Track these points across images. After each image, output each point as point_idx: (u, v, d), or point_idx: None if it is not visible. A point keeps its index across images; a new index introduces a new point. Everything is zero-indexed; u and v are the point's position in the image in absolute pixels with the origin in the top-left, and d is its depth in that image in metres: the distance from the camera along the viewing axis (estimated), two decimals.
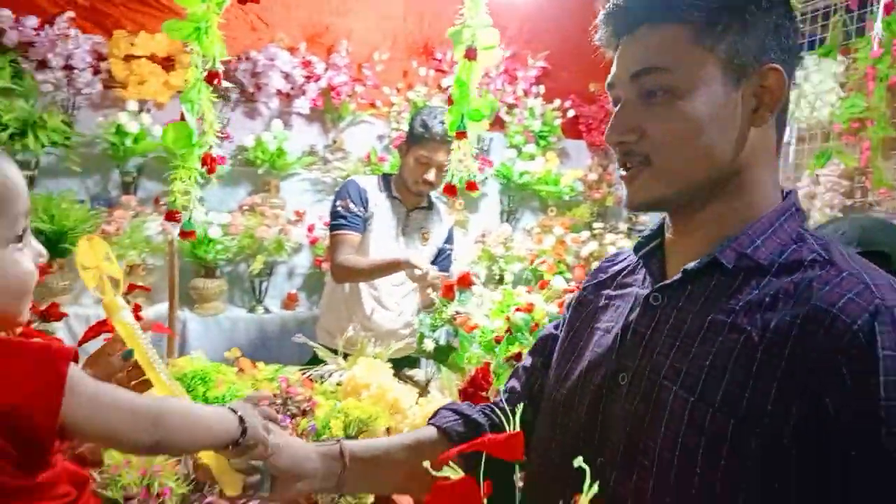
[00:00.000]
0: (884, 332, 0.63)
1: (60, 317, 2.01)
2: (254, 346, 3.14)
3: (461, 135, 1.74)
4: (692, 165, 0.75)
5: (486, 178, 3.84)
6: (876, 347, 0.63)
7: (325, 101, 3.58)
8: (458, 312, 2.11)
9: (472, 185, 1.97)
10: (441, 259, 2.58)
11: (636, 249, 0.89)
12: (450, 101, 1.74)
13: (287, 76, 3.44)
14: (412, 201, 2.52)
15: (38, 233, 2.83)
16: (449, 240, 2.62)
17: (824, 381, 0.64)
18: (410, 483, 0.98)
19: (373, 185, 2.51)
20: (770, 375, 0.66)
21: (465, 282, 2.14)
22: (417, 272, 2.26)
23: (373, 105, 3.73)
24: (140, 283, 3.00)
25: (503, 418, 0.65)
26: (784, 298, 0.69)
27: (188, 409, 0.89)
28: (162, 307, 3.05)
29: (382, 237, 2.47)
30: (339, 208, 2.44)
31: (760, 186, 0.77)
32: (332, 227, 2.46)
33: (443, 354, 2.05)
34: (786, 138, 4.49)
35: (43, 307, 1.88)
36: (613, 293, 0.91)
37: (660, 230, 0.88)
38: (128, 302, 1.67)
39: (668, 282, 0.80)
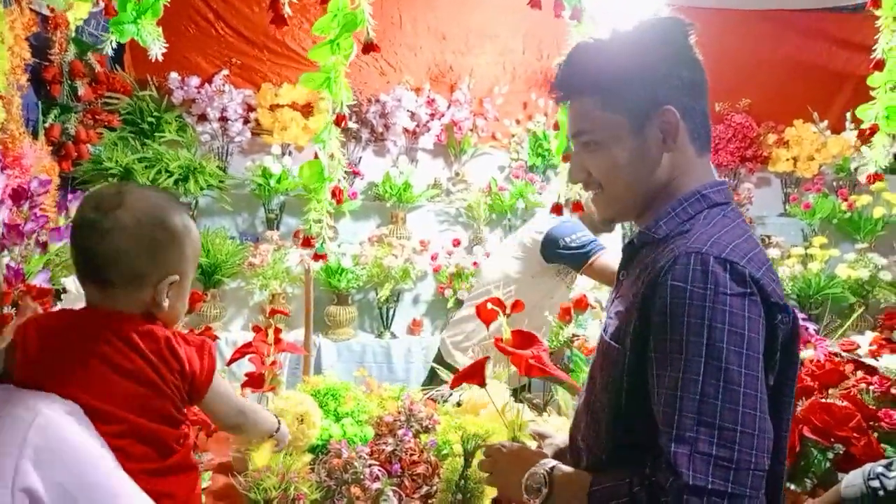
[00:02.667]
0: (675, 269, 0.88)
1: (214, 339, 2.26)
2: (381, 368, 3.33)
3: (567, 158, 1.80)
4: (627, 191, 1.02)
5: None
6: (668, 280, 0.87)
7: (448, 136, 3.76)
8: (574, 335, 2.14)
9: (578, 206, 2.01)
10: None
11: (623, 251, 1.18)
12: (555, 127, 1.80)
13: (413, 115, 3.65)
14: None
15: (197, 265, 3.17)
16: None
17: (645, 308, 0.90)
18: None
19: None
20: (630, 311, 0.94)
21: (581, 304, 2.16)
22: None
23: (493, 137, 3.86)
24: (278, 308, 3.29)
25: None
26: (652, 261, 0.93)
27: (257, 408, 1.38)
28: (300, 332, 3.31)
29: None
30: None
31: (682, 188, 1.01)
32: None
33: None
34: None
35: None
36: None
37: None
38: (269, 325, 1.86)
39: (622, 262, 1.09)
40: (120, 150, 3.16)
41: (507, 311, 1.23)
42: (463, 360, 2.40)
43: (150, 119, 3.36)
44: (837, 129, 4.00)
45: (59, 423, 0.82)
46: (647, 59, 0.99)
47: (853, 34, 4.22)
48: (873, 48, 4.19)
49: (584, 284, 3.51)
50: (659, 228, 1.00)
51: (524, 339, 1.13)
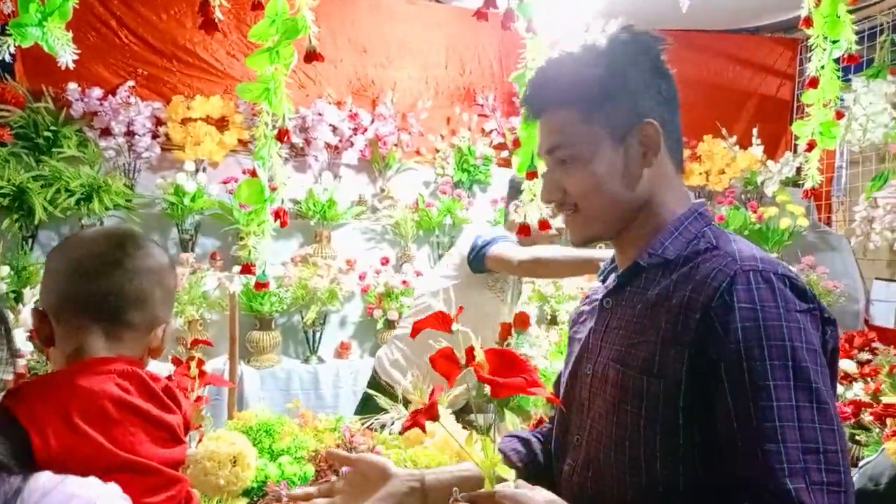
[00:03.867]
0: (739, 290, 0.84)
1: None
2: (308, 395, 3.16)
3: (532, 174, 1.73)
4: (607, 209, 0.97)
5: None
6: (734, 302, 0.83)
7: (373, 152, 3.66)
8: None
9: (544, 224, 1.95)
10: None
11: (599, 275, 1.12)
12: (516, 143, 1.74)
13: (335, 129, 3.54)
14: None
15: None
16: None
17: (706, 334, 0.84)
18: None
19: None
20: (671, 340, 0.87)
21: (522, 323, 2.12)
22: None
23: (418, 152, 3.80)
24: (200, 338, 3.08)
25: None
26: (683, 281, 0.90)
27: None
28: (218, 361, 3.10)
29: None
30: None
31: (666, 205, 0.98)
32: None
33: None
34: (837, 162, 4.40)
35: None
36: (587, 309, 1.12)
37: (613, 258, 1.10)
38: (192, 356, 1.71)
39: (610, 287, 1.03)
40: (12, 167, 2.87)
41: (452, 323, 1.10)
42: (401, 379, 2.29)
43: (46, 133, 3.08)
44: (744, 144, 4.20)
45: None
46: (627, 71, 0.95)
47: (753, 54, 4.47)
48: (771, 67, 4.48)
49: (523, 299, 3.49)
50: (666, 249, 0.96)
51: (503, 360, 1.00)
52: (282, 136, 1.49)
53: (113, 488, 0.72)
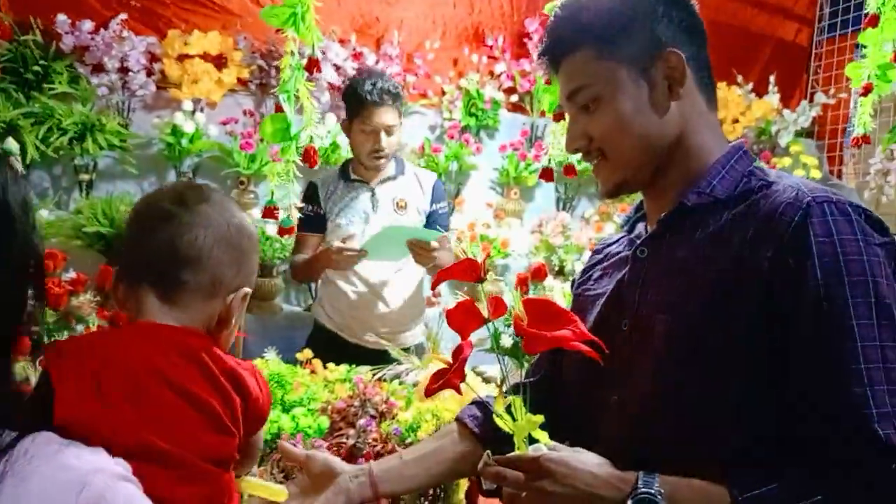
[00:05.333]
0: (815, 223, 0.77)
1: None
2: (277, 343, 3.10)
3: (560, 116, 1.63)
4: (637, 150, 0.91)
5: (542, 165, 3.72)
6: (809, 236, 0.77)
7: None
8: None
9: (570, 170, 1.84)
10: (434, 220, 2.42)
11: (622, 226, 1.06)
12: (548, 82, 1.62)
13: (338, 69, 3.39)
14: (373, 177, 2.37)
15: (98, 236, 2.83)
16: (437, 199, 2.44)
17: (778, 273, 0.77)
18: (436, 479, 1.15)
19: (331, 176, 2.42)
20: (734, 284, 0.80)
21: (539, 275, 2.05)
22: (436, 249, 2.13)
23: (424, 95, 3.66)
24: None
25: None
26: (740, 222, 0.84)
27: None
28: None
29: (352, 224, 2.33)
30: (302, 210, 2.33)
31: (703, 142, 0.92)
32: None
33: (519, 352, 1.97)
34: (850, 112, 4.29)
35: (108, 312, 1.85)
36: (607, 263, 1.05)
37: (640, 206, 1.04)
38: None
39: (648, 234, 0.96)
40: (1, 103, 2.73)
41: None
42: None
43: (35, 68, 2.91)
44: (759, 92, 4.07)
45: (116, 500, 0.60)
46: (642, 1, 0.91)
47: None
48: (793, 10, 4.29)
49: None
50: (714, 189, 0.89)
51: (544, 311, 0.91)
52: (311, 66, 1.38)
53: (117, 467, 0.63)
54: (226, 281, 0.88)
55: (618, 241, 1.09)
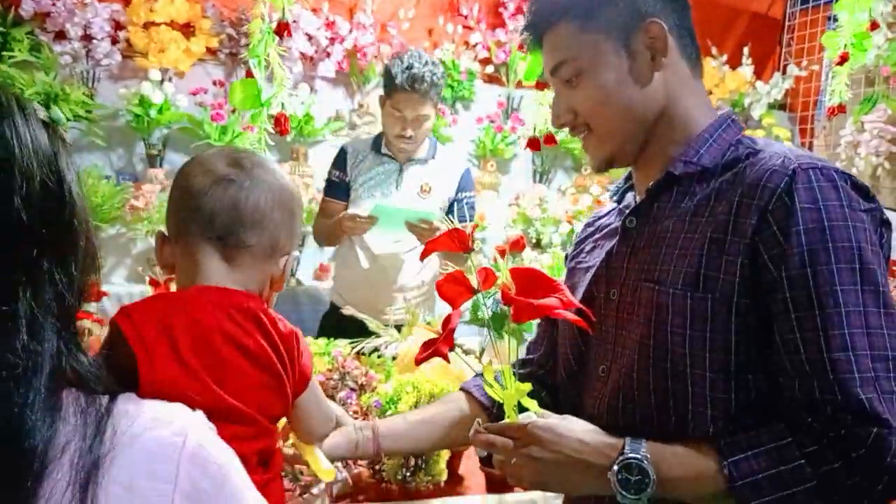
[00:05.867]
0: (800, 189, 0.77)
1: (100, 297, 1.95)
2: (287, 318, 3.07)
3: (542, 85, 1.60)
4: (622, 121, 0.91)
5: (518, 137, 3.71)
6: (794, 203, 0.77)
7: (351, 64, 3.45)
8: None
9: (550, 139, 1.82)
10: (458, 208, 2.38)
11: (611, 196, 1.06)
12: (521, 47, 1.59)
13: (310, 38, 3.31)
14: (403, 155, 2.30)
15: None
16: (464, 187, 2.39)
17: (763, 240, 0.78)
18: (439, 444, 1.16)
19: (363, 145, 2.34)
20: (719, 250, 0.81)
21: (517, 246, 2.05)
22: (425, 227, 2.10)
23: None
24: None
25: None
26: (726, 189, 0.84)
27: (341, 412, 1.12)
28: None
29: (373, 198, 2.28)
30: (329, 174, 2.34)
31: (689, 111, 0.92)
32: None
33: (498, 322, 1.97)
34: (822, 85, 4.32)
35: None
36: (598, 235, 1.06)
37: (628, 177, 1.04)
38: (171, 278, 1.59)
39: (636, 205, 0.96)
40: None
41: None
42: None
43: None
44: (733, 64, 4.08)
45: (212, 450, 0.60)
46: None
47: None
48: None
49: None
50: (701, 157, 0.89)
51: (531, 280, 0.91)
52: (282, 30, 1.32)
53: (199, 417, 0.62)
54: (281, 243, 0.90)
55: (609, 212, 1.09)
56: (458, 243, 0.96)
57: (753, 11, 4.31)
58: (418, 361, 0.93)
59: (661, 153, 0.93)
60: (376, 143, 2.32)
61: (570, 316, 0.85)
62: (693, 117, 0.92)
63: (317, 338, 1.97)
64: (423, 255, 0.99)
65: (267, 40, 1.32)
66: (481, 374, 1.15)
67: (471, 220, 2.42)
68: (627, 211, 0.98)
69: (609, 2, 0.89)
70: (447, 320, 0.94)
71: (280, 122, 1.38)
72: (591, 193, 3.50)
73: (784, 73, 4.03)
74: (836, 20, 4.01)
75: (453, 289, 0.94)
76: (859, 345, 0.74)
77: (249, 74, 1.36)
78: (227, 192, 0.85)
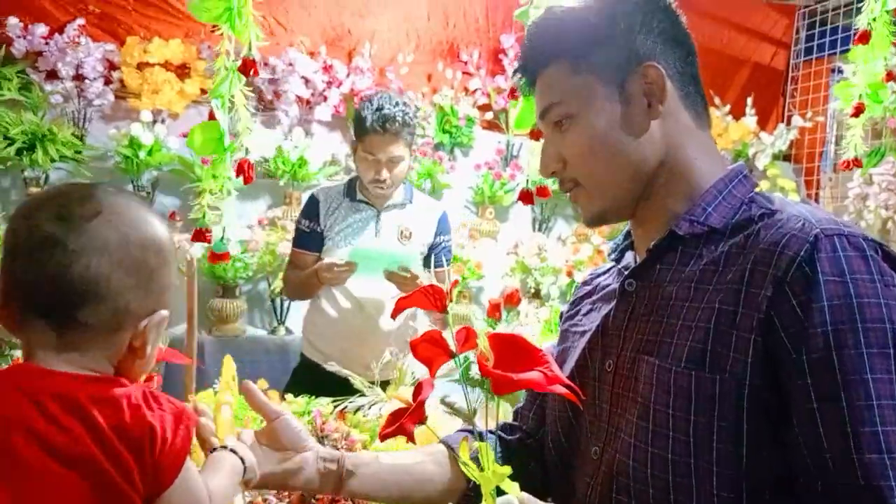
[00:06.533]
0: (823, 259, 0.67)
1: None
2: (275, 369, 2.94)
3: (537, 134, 1.50)
4: (614, 173, 0.82)
5: (518, 185, 3.63)
6: (817, 274, 0.67)
7: (348, 107, 3.40)
8: None
9: (543, 191, 1.72)
10: (436, 253, 2.28)
11: (610, 255, 0.97)
12: (512, 94, 1.50)
13: (307, 82, 3.27)
14: (380, 201, 2.20)
15: None
16: (442, 231, 2.30)
17: (779, 316, 0.68)
18: (409, 498, 1.00)
19: (335, 193, 2.24)
20: (729, 324, 0.71)
21: (512, 300, 1.94)
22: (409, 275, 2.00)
23: None
24: None
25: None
26: (737, 252, 0.74)
27: (225, 484, 0.83)
28: (177, 330, 2.86)
29: (352, 245, 2.18)
30: (298, 224, 2.23)
31: (694, 164, 0.83)
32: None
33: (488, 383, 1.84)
34: (827, 136, 4.27)
35: None
36: (596, 297, 0.97)
37: (628, 233, 0.95)
38: None
39: (636, 265, 0.86)
40: None
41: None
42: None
43: None
44: (736, 114, 4.03)
45: None
46: (618, 9, 0.83)
47: (748, 19, 4.27)
48: (769, 36, 4.29)
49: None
50: (709, 216, 0.79)
51: (512, 348, 0.79)
52: (247, 68, 1.23)
53: None
54: (132, 308, 0.72)
55: (607, 271, 1.00)
56: (433, 301, 0.85)
57: (756, 62, 4.28)
58: (382, 437, 0.81)
59: (662, 209, 0.84)
60: (350, 190, 2.23)
61: (559, 390, 0.74)
62: (698, 169, 0.83)
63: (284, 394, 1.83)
64: (395, 314, 0.88)
65: (232, 79, 1.22)
66: (466, 430, 1.03)
67: (444, 265, 2.33)
68: (626, 272, 0.88)
69: (603, 41, 0.82)
70: (418, 389, 0.82)
71: (242, 169, 1.27)
72: (591, 243, 3.40)
73: (788, 124, 3.97)
74: (840, 72, 3.99)
75: (430, 350, 0.81)
76: (893, 444, 0.63)
77: (212, 117, 1.26)
78: (48, 260, 0.68)
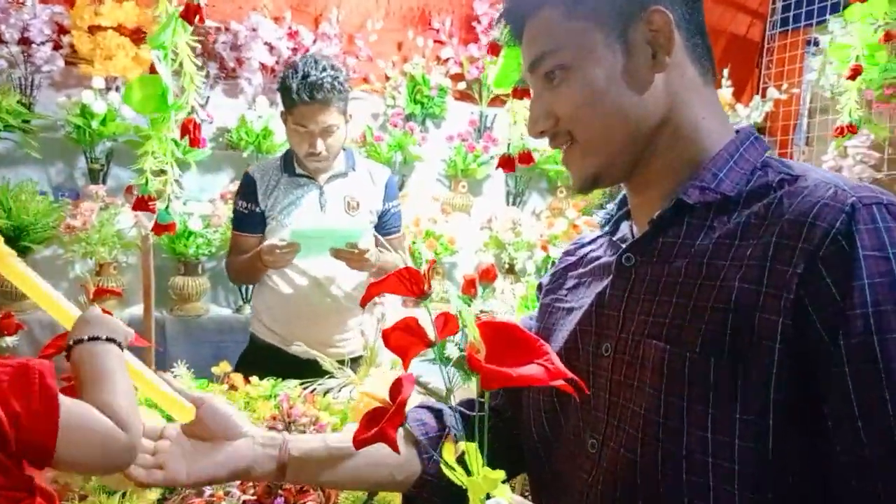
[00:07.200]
0: (863, 231, 0.60)
1: (16, 330, 1.70)
2: (240, 348, 2.84)
3: (521, 93, 1.39)
4: (612, 129, 0.74)
5: (491, 157, 3.54)
6: (856, 249, 0.59)
7: None
8: (482, 311, 1.83)
9: (526, 157, 1.61)
10: (386, 220, 2.20)
11: (602, 225, 0.89)
12: (493, 50, 1.38)
13: (272, 49, 3.11)
14: (321, 173, 2.09)
15: None
16: (389, 196, 2.20)
17: (812, 295, 0.60)
18: (361, 483, 0.94)
19: (271, 168, 2.11)
20: (751, 305, 0.63)
21: (488, 276, 1.85)
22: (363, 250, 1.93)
23: (366, 80, 3.41)
24: (112, 284, 2.69)
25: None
26: (756, 224, 0.67)
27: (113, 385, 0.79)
28: (136, 310, 2.74)
29: (299, 222, 2.06)
30: (236, 206, 2.11)
31: (701, 123, 0.75)
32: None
33: (464, 364, 1.76)
34: (800, 109, 4.24)
35: None
36: (584, 270, 0.89)
37: (623, 201, 0.87)
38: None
39: (636, 238, 0.78)
40: None
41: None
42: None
43: None
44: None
45: None
46: None
47: None
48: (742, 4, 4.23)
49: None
50: (721, 182, 0.72)
51: (505, 339, 0.70)
52: (191, 14, 1.10)
53: None
54: None
55: (595, 241, 0.92)
56: (410, 286, 0.75)
57: (732, 33, 4.22)
58: (358, 444, 0.72)
59: (663, 173, 0.76)
60: (287, 164, 2.10)
61: (562, 385, 0.66)
62: (705, 131, 0.75)
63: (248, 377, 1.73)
64: (365, 300, 0.79)
65: (175, 26, 1.10)
66: (429, 406, 0.95)
67: (397, 231, 2.23)
68: (624, 245, 0.80)
69: None
70: (396, 387, 0.73)
71: (187, 130, 1.15)
72: (566, 217, 3.33)
73: (763, 96, 3.93)
74: (816, 44, 3.95)
75: (404, 339, 0.72)
76: None
77: (153, 70, 1.14)
78: None
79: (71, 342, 0.80)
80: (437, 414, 0.93)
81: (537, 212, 3.60)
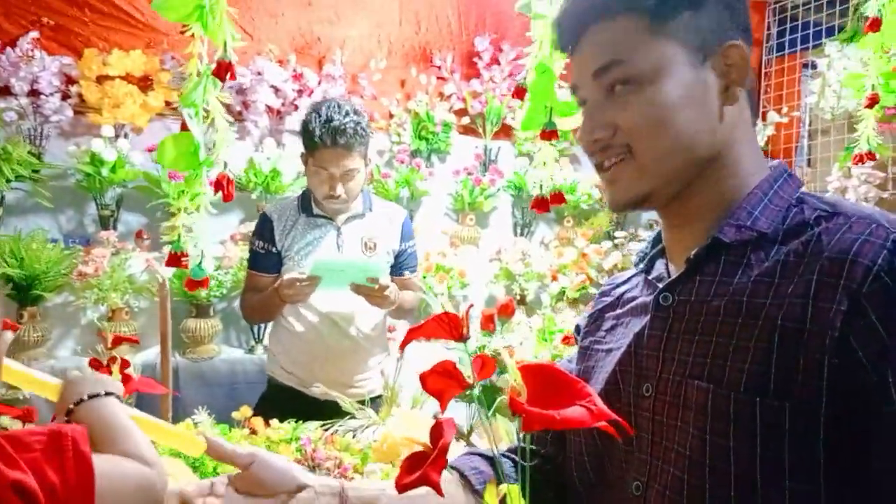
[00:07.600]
0: None
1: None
2: (255, 391, 2.81)
3: (549, 135, 1.38)
4: (674, 151, 0.72)
5: (498, 189, 3.55)
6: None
7: None
8: (501, 347, 1.81)
9: (558, 198, 1.60)
10: (403, 260, 2.20)
11: (637, 263, 0.89)
12: (518, 94, 1.38)
13: (277, 91, 3.15)
14: (338, 214, 2.09)
15: (5, 279, 2.50)
16: (405, 237, 2.19)
17: (856, 335, 0.59)
18: None
19: (289, 209, 2.11)
20: (794, 344, 0.62)
21: (507, 311, 1.84)
22: (378, 285, 1.92)
23: (371, 118, 3.44)
24: (124, 330, 2.68)
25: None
26: (795, 261, 0.66)
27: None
28: (149, 353, 2.72)
29: (314, 260, 2.06)
30: (252, 245, 2.11)
31: (744, 162, 0.75)
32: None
33: (489, 399, 1.74)
34: (801, 131, 4.27)
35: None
36: (621, 311, 0.88)
37: (657, 239, 0.87)
38: (114, 357, 1.34)
39: (673, 278, 0.77)
40: None
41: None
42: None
43: None
44: None
45: None
46: None
47: None
48: None
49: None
50: (756, 220, 0.71)
51: (546, 381, 0.69)
52: (223, 72, 1.11)
53: None
54: None
55: (630, 280, 0.91)
56: (448, 330, 0.75)
57: None
58: (401, 488, 0.71)
59: (702, 209, 0.75)
60: (305, 205, 2.10)
61: (607, 427, 0.65)
62: (747, 168, 0.75)
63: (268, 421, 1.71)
64: (403, 345, 0.78)
65: (205, 84, 1.11)
66: (479, 453, 0.93)
67: (413, 271, 2.22)
68: (660, 285, 0.79)
69: (699, 5, 0.72)
70: (437, 431, 0.72)
71: (221, 185, 1.15)
72: (575, 246, 3.33)
73: (764, 119, 3.97)
74: (813, 67, 4.00)
75: (441, 381, 0.71)
76: None
77: (185, 128, 1.14)
78: None
79: (71, 405, 0.81)
80: (492, 461, 0.92)
81: (545, 242, 3.61)
